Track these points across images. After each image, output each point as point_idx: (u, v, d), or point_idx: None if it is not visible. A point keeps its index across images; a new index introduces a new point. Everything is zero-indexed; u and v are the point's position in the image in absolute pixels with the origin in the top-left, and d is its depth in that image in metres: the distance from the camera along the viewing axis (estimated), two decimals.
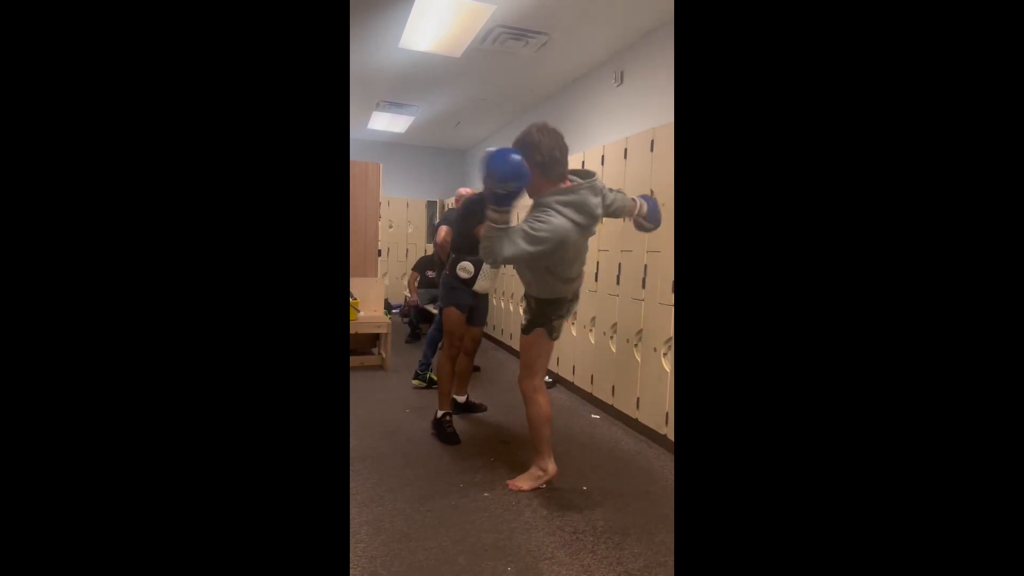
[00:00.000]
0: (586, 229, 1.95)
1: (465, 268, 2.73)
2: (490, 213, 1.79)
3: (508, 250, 1.81)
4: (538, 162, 1.85)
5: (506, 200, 1.76)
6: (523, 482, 2.15)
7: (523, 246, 1.81)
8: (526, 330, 2.17)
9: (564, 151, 1.91)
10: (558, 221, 1.84)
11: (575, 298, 2.21)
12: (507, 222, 1.80)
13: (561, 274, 2.05)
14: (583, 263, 2.15)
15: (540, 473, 2.15)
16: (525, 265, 2.05)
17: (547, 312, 2.13)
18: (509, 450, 2.59)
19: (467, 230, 2.73)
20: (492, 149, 1.77)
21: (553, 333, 2.16)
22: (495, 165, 1.72)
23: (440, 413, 2.75)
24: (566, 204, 1.87)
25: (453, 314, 2.73)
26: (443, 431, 2.68)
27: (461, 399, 3.07)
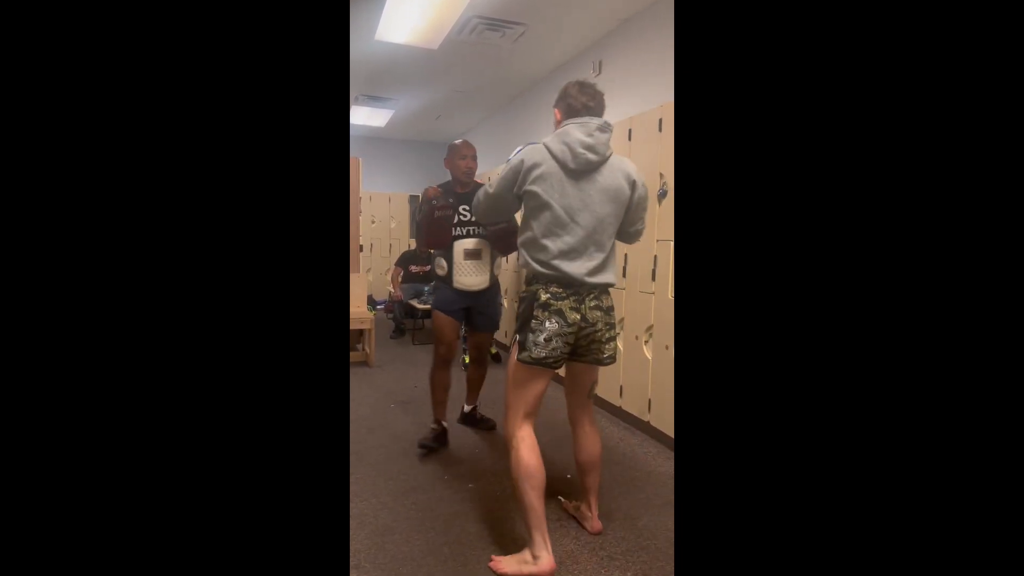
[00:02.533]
0: (574, 172, 1.52)
1: (439, 264, 2.46)
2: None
3: (480, 195, 1.73)
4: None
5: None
6: (506, 564, 1.58)
7: (486, 189, 1.69)
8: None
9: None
10: (528, 148, 1.58)
11: (587, 292, 1.56)
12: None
13: (544, 227, 1.53)
14: (604, 233, 1.56)
15: (528, 560, 1.54)
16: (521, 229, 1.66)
17: (526, 305, 1.57)
18: (494, 438, 2.60)
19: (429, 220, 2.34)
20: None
21: (529, 348, 1.53)
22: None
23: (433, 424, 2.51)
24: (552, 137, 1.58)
25: (438, 317, 2.45)
26: (429, 438, 2.47)
27: (468, 408, 2.79)
